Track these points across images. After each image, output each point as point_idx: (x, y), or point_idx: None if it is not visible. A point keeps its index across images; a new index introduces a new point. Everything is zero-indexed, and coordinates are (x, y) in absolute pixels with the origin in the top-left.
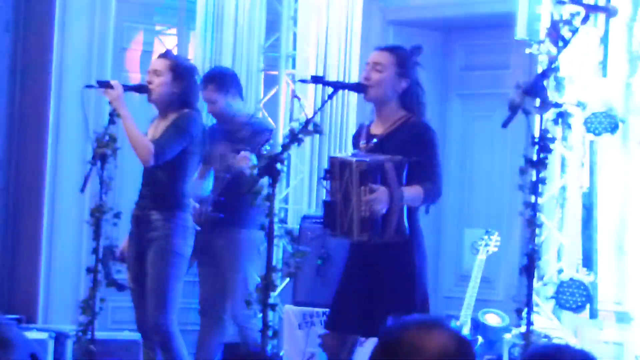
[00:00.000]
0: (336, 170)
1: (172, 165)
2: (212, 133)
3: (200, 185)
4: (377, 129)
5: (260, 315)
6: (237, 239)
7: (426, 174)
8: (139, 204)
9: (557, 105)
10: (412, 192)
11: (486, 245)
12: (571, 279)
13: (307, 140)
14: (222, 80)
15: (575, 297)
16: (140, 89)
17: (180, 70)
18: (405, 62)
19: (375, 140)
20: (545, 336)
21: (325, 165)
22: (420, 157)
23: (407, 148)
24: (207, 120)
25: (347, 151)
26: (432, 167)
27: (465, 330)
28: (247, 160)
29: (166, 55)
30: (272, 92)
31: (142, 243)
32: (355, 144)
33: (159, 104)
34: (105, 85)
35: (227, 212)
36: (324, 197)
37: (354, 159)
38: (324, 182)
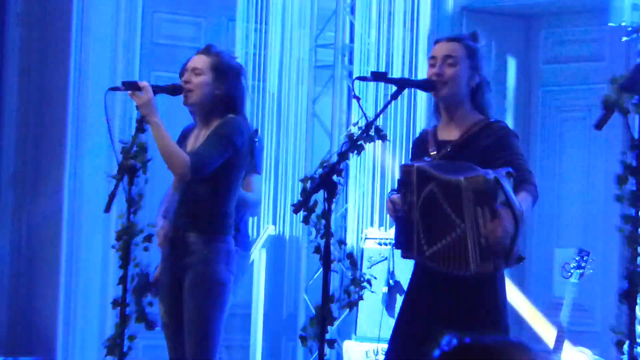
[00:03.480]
0: (412, 180)
1: (213, 179)
2: None
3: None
4: (448, 134)
5: (315, 353)
6: None
7: (521, 173)
8: (175, 225)
9: None
10: (527, 204)
11: (579, 267)
12: None
13: (369, 147)
14: None
15: None
16: (175, 90)
17: (223, 68)
18: (477, 54)
19: (449, 147)
20: None
21: (390, 178)
22: (508, 161)
23: (489, 156)
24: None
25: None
26: (524, 164)
27: None
28: None
29: (207, 50)
30: (327, 91)
31: (177, 270)
32: (418, 153)
33: (198, 108)
34: (132, 86)
35: None
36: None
37: (461, 178)
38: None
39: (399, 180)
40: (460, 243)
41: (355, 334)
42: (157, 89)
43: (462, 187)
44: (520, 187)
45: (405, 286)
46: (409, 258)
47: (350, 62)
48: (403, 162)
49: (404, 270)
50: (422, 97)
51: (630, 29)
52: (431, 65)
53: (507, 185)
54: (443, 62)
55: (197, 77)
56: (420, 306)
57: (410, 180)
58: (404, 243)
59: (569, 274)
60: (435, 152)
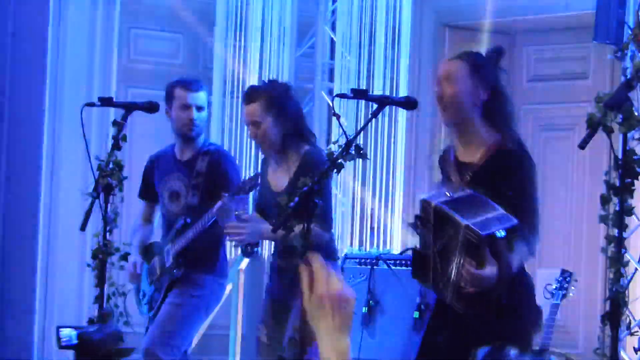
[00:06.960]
0: (430, 218)
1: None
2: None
3: (148, 230)
4: (466, 156)
5: None
6: None
7: (524, 223)
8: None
9: None
10: (517, 261)
11: (562, 288)
12: None
13: (349, 166)
14: None
15: None
16: (151, 108)
17: (277, 104)
18: (483, 68)
19: (470, 174)
20: None
21: (370, 197)
22: (514, 197)
23: (499, 184)
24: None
25: (433, 187)
26: (531, 213)
27: None
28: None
29: (252, 97)
30: (306, 108)
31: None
32: (444, 172)
33: (273, 151)
34: (108, 103)
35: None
36: (415, 245)
37: (463, 222)
38: (417, 229)
39: (417, 215)
40: (448, 278)
41: None
42: (133, 107)
43: (460, 232)
44: (522, 238)
45: (385, 306)
46: (427, 287)
47: (331, 78)
48: (422, 197)
49: (385, 290)
50: (402, 114)
51: (614, 46)
52: (437, 88)
53: (504, 245)
54: (444, 82)
55: (259, 129)
56: (438, 328)
57: (428, 218)
58: (422, 276)
59: (551, 295)
60: (458, 179)
